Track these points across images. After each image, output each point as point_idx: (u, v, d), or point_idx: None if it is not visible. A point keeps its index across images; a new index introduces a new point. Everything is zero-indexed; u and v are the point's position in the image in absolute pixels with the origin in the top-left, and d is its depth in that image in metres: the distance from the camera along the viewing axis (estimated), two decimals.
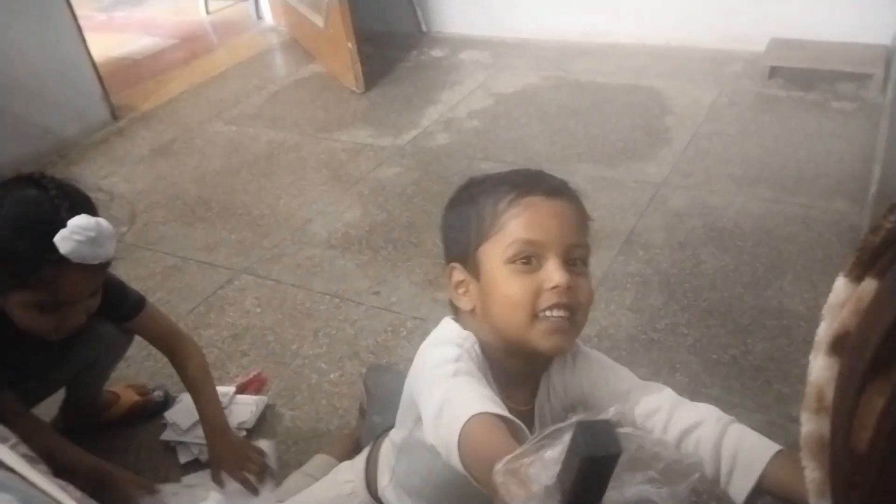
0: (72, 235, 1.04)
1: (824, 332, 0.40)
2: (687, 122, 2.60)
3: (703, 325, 1.69)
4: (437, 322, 0.94)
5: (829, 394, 0.39)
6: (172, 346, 1.41)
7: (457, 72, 3.24)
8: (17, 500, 0.52)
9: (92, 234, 1.05)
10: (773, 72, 2.80)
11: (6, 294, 1.10)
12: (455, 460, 0.71)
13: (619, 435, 0.45)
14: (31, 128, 2.72)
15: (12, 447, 0.62)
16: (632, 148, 2.47)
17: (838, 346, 0.39)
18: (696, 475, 0.62)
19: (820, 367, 0.40)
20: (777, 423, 1.40)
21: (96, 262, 1.08)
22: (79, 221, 1.05)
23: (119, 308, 1.34)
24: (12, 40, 2.62)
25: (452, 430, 0.71)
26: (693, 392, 0.89)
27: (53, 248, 1.03)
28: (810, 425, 0.41)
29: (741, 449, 0.81)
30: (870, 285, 0.37)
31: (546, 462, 0.48)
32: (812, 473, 0.41)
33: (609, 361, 0.97)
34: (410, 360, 1.57)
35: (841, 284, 0.39)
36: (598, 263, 1.87)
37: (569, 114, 2.74)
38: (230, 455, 1.36)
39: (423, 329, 1.71)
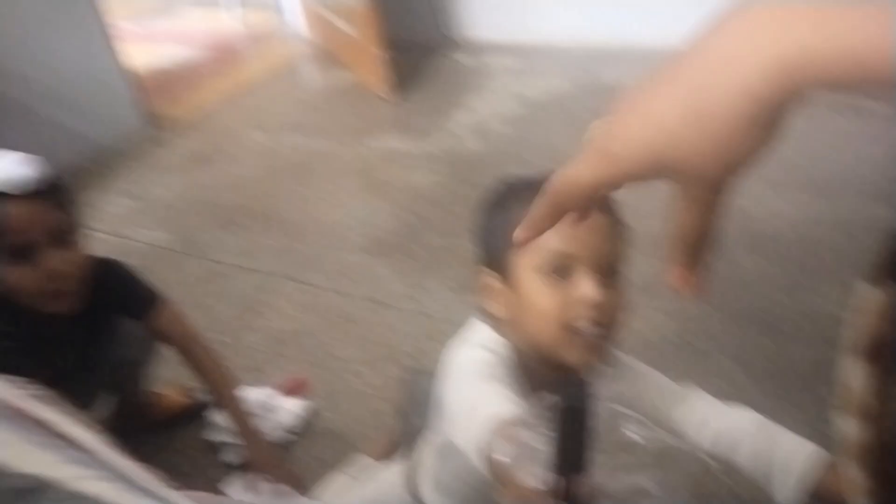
0: None
1: (857, 337, 0.40)
2: None
3: (740, 330, 1.69)
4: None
5: (869, 398, 0.40)
6: (189, 350, 1.42)
7: (486, 77, 3.26)
8: (109, 478, 0.55)
9: (15, 158, 1.13)
10: None
11: None
12: (481, 464, 0.71)
13: (596, 390, 0.49)
14: (70, 136, 2.79)
15: (96, 433, 0.64)
16: None
17: (875, 351, 0.39)
18: (693, 465, 0.67)
19: (858, 372, 0.40)
20: (818, 428, 1.39)
21: (27, 187, 1.13)
22: (4, 155, 1.14)
23: (134, 299, 1.37)
24: (51, 51, 2.70)
25: (480, 434, 0.71)
26: (731, 397, 0.90)
27: None
28: (851, 429, 0.41)
29: (780, 451, 0.81)
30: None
31: (535, 425, 0.51)
32: (854, 476, 0.42)
33: (643, 366, 0.97)
34: None
35: (866, 288, 0.40)
36: (636, 268, 1.87)
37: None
38: (268, 458, 1.40)
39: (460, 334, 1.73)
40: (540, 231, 0.48)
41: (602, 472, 0.50)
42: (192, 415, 1.62)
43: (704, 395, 0.90)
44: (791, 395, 1.50)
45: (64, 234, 1.20)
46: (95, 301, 1.34)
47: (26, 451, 0.58)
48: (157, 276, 2.00)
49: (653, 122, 0.39)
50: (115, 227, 2.43)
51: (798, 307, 1.73)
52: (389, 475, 1.23)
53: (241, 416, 1.42)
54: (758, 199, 2.15)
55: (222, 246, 2.25)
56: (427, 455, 1.16)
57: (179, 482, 0.61)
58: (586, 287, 0.80)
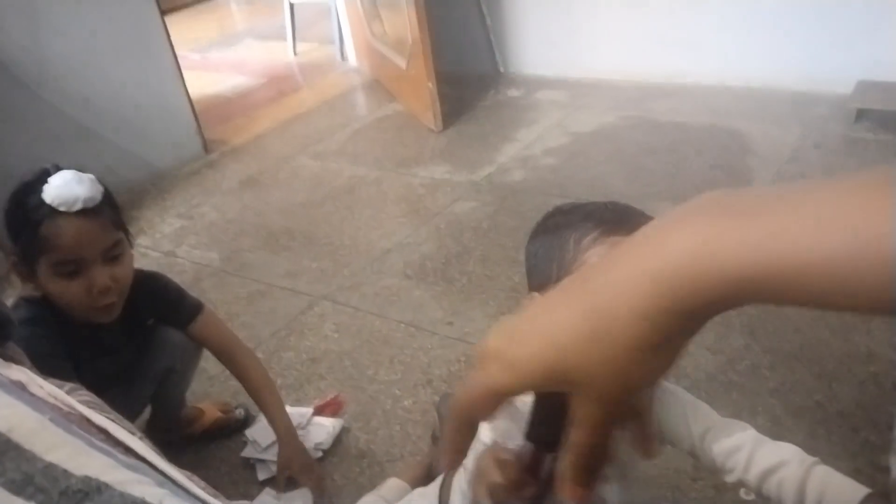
0: (52, 184, 1.16)
1: None
2: (769, 163, 2.56)
3: (786, 368, 1.64)
4: None
5: None
6: (232, 353, 1.48)
7: (533, 111, 3.29)
8: (155, 482, 0.57)
9: (69, 177, 1.17)
10: (861, 114, 2.73)
11: (35, 269, 1.21)
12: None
13: None
14: (131, 157, 2.92)
15: (140, 439, 0.67)
16: (711, 188, 2.43)
17: None
18: None
19: None
20: (864, 472, 1.34)
21: (78, 205, 1.16)
22: (59, 173, 1.18)
23: (177, 309, 1.43)
24: (121, 77, 2.84)
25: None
26: (775, 437, 0.88)
27: (43, 202, 1.16)
28: None
29: (827, 491, 0.79)
30: None
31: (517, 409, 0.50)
32: None
33: (689, 397, 0.96)
34: None
35: None
36: None
37: (647, 153, 2.73)
38: (299, 459, 1.42)
39: None
40: (461, 451, 0.45)
41: None
42: (229, 431, 1.65)
43: (749, 428, 0.88)
44: (834, 435, 1.45)
45: (113, 251, 1.25)
46: (138, 312, 1.39)
47: (80, 453, 0.60)
48: (203, 293, 2.06)
49: (548, 337, 0.38)
50: (167, 245, 2.52)
51: (846, 347, 1.67)
52: (423, 500, 1.23)
53: (279, 416, 1.45)
54: None
55: (268, 267, 2.31)
56: (460, 480, 1.16)
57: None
58: None
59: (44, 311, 1.26)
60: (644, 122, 2.99)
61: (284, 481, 1.44)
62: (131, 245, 1.32)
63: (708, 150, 2.71)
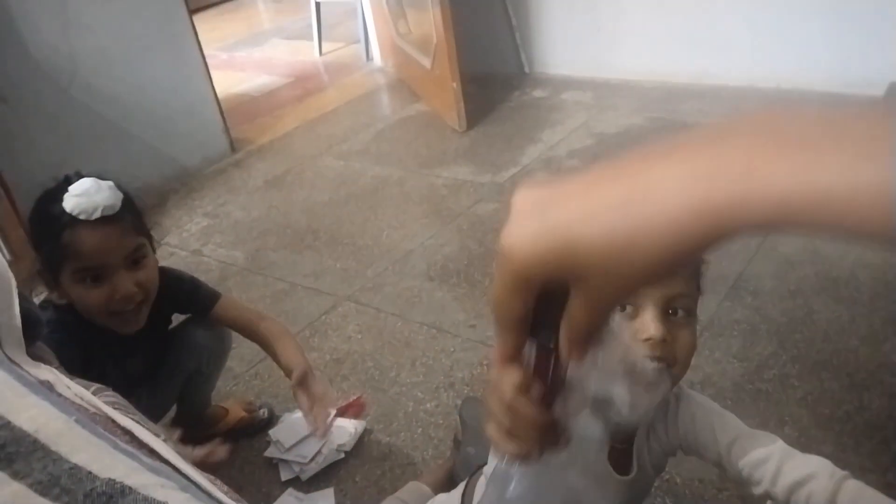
0: (72, 193, 1.18)
1: None
2: None
3: (814, 377, 1.61)
4: None
5: None
6: (256, 325, 1.46)
7: (558, 112, 3.27)
8: (179, 486, 0.57)
9: (88, 185, 1.18)
10: None
11: (59, 277, 1.23)
12: None
13: None
14: (159, 156, 2.95)
15: (164, 441, 0.67)
16: None
17: None
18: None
19: None
20: (890, 482, 1.31)
21: (98, 213, 1.17)
22: (79, 182, 1.20)
23: (195, 299, 1.44)
24: (149, 75, 2.87)
25: None
26: (803, 448, 0.85)
27: (64, 210, 1.17)
28: None
29: None
30: None
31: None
32: None
33: (716, 406, 0.94)
34: None
35: None
36: (704, 308, 1.80)
37: None
38: (319, 388, 1.35)
39: None
40: (517, 331, 0.45)
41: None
42: (253, 430, 1.66)
43: (778, 440, 0.86)
44: (864, 448, 1.42)
45: (135, 256, 1.26)
46: (162, 310, 1.40)
47: (105, 456, 0.61)
48: (228, 292, 2.07)
49: (577, 211, 0.37)
50: (194, 244, 2.54)
51: (877, 358, 1.64)
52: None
53: (296, 358, 1.39)
54: (836, 243, 2.06)
55: (292, 266, 2.32)
56: (481, 484, 1.15)
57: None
58: (649, 322, 0.80)
59: (68, 314, 1.27)
60: (671, 123, 2.96)
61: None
62: (154, 249, 1.33)
63: None
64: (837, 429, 1.47)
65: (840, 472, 0.81)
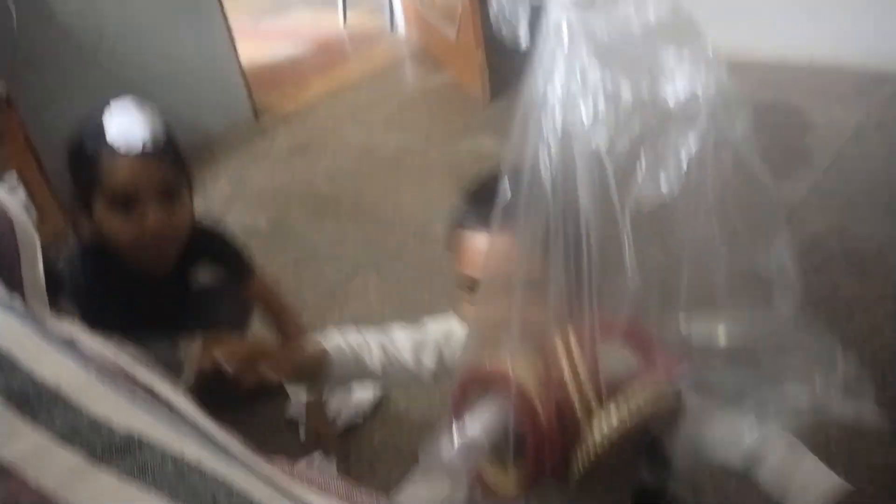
0: (113, 118, 1.18)
1: None
2: (829, 143, 2.46)
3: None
4: None
5: None
6: (279, 311, 1.53)
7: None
8: (196, 441, 0.58)
9: (132, 113, 1.19)
10: None
11: (93, 202, 1.22)
12: None
13: None
14: (184, 123, 2.94)
15: (182, 395, 0.68)
16: (767, 167, 2.36)
17: None
18: None
19: None
20: None
21: (137, 143, 1.17)
22: (121, 108, 1.20)
23: (235, 259, 1.47)
24: (174, 42, 2.88)
25: None
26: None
27: (103, 137, 1.18)
28: None
29: (802, 474, 0.79)
30: None
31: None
32: None
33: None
34: None
35: None
36: None
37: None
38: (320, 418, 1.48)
39: None
40: None
41: None
42: (276, 391, 1.68)
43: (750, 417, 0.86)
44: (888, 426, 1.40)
45: (170, 192, 1.24)
46: (192, 264, 1.40)
47: (124, 409, 0.62)
48: (250, 257, 2.10)
49: None
50: (216, 209, 2.56)
51: None
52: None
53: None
54: (865, 222, 2.02)
55: (314, 234, 2.33)
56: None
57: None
58: None
59: (98, 260, 1.27)
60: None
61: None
62: (191, 194, 1.32)
63: (766, 128, 2.60)
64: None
65: (796, 442, 0.81)
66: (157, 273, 1.31)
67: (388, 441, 1.54)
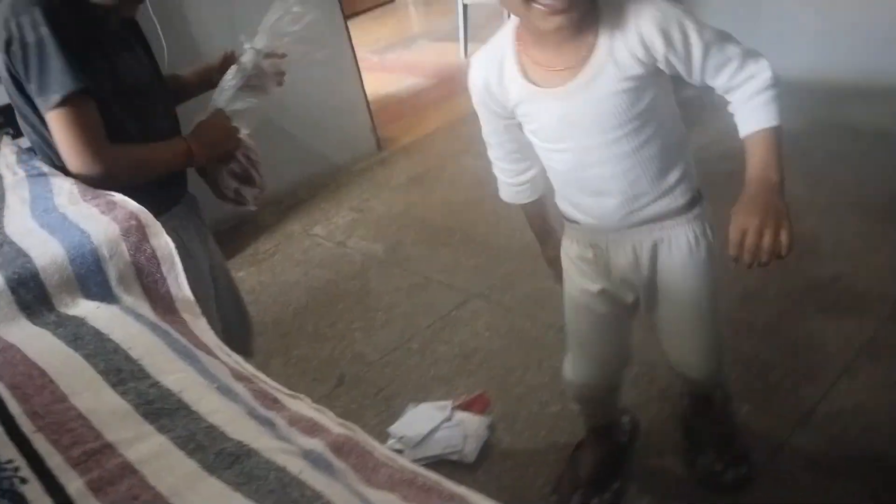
0: None
1: None
2: None
3: None
4: None
5: None
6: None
7: (709, 112, 3.11)
8: (300, 454, 0.61)
9: None
10: None
11: None
12: None
13: None
14: (310, 154, 3.13)
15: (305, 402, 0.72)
16: None
17: None
18: None
19: None
20: None
21: None
22: None
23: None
24: (305, 77, 3.04)
25: None
26: None
27: None
28: None
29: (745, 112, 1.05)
30: None
31: None
32: None
33: None
34: (635, 405, 1.54)
35: None
36: (861, 330, 1.68)
37: (836, 160, 2.49)
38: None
39: (648, 376, 1.66)
40: None
41: None
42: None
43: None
44: None
45: None
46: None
47: (237, 420, 0.67)
48: (368, 282, 2.19)
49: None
50: (339, 236, 2.68)
51: None
52: None
53: None
54: None
55: (427, 261, 2.38)
56: None
57: None
58: None
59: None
60: (835, 127, 2.73)
61: None
62: None
63: None
64: None
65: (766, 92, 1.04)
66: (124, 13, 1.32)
67: (489, 473, 1.53)
